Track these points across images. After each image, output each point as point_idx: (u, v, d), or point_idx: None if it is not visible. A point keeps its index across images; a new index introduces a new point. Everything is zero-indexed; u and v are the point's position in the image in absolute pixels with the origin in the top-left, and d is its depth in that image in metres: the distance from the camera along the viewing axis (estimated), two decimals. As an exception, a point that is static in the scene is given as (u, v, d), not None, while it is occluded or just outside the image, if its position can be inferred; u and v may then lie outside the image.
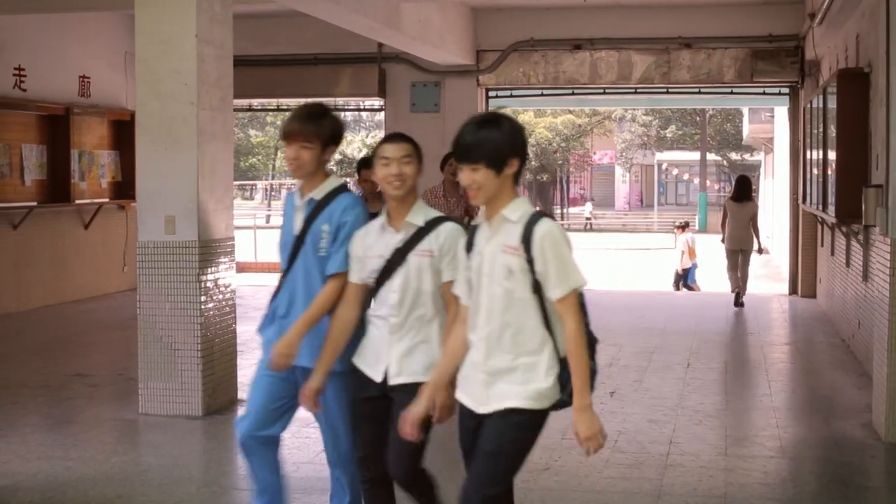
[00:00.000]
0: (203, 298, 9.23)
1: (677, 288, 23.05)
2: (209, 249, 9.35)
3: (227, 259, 9.66)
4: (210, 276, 9.35)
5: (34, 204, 15.95)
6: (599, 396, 10.01)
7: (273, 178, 69.69)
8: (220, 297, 9.54)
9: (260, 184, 73.22)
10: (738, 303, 16.79)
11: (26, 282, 16.05)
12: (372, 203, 9.87)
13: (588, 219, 58.09)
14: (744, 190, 17.35)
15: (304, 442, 8.40)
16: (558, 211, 63.43)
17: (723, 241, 17.37)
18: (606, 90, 19.20)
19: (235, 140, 62.86)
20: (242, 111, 22.19)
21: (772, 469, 7.68)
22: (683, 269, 23.06)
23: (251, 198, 78.79)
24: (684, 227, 24.63)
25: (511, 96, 19.73)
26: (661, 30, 18.06)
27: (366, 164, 10.00)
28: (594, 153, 69.01)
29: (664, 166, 66.93)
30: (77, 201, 16.90)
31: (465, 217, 9.93)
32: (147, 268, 9.33)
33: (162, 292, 9.28)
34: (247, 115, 61.78)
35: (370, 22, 13.61)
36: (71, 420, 9.25)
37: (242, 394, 10.05)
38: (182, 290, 9.23)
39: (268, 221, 49.01)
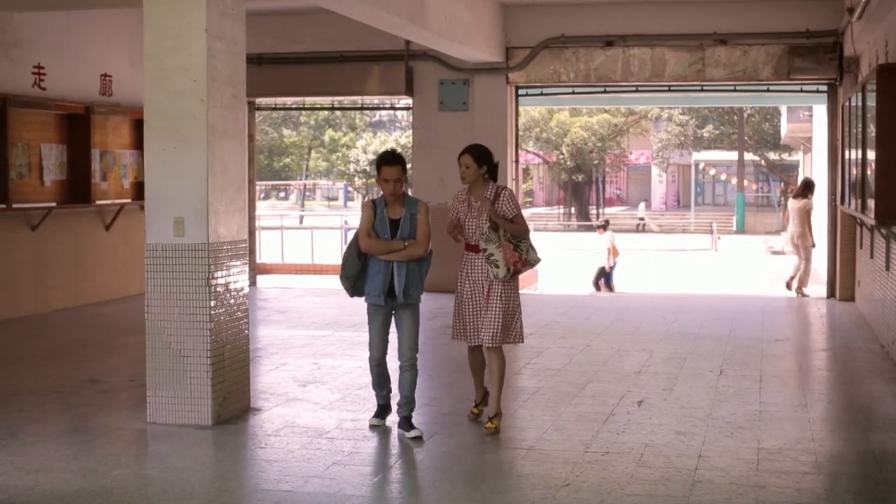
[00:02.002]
0: (213, 303, 8.88)
1: (598, 287, 23.54)
2: (220, 252, 9.01)
3: (239, 262, 9.31)
4: (221, 280, 9.01)
5: (53, 205, 15.68)
6: (626, 406, 9.62)
7: (306, 177, 69.49)
8: (232, 301, 9.19)
9: (294, 184, 73.05)
10: (796, 291, 18.79)
11: (45, 284, 15.78)
12: (392, 207, 8.53)
13: (641, 219, 57.32)
14: (805, 189, 19.19)
15: (315, 454, 8.03)
16: (593, 211, 62.92)
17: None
18: (639, 88, 18.84)
19: (268, 140, 63.05)
20: (269, 110, 21.91)
21: (806, 486, 7.25)
22: (608, 268, 23.51)
23: (286, 198, 78.76)
24: (605, 226, 25.09)
25: (542, 94, 19.37)
26: (695, 26, 17.65)
27: (386, 160, 8.51)
28: (630, 153, 68.45)
29: (701, 166, 66.25)
30: (98, 202, 16.62)
31: (487, 223, 8.57)
32: (155, 271, 8.99)
33: (170, 297, 8.94)
34: (280, 115, 61.64)
35: (393, 18, 13.25)
36: (76, 429, 8.93)
37: (256, 402, 9.72)
38: (191, 294, 8.89)
39: (301, 222, 48.80)
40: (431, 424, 9.05)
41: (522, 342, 8.98)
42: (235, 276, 9.25)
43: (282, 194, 79.87)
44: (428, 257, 8.64)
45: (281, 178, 71.04)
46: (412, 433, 8.56)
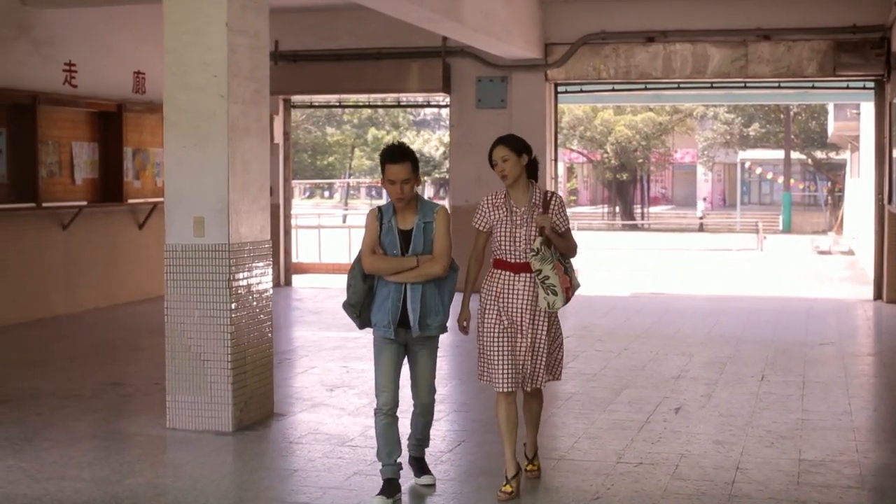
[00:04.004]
0: (234, 305, 8.61)
1: None
2: (241, 253, 8.74)
3: (262, 263, 9.04)
4: (242, 282, 8.73)
5: (84, 203, 15.51)
6: (663, 413, 9.28)
7: (350, 176, 69.33)
8: (254, 303, 8.92)
9: (337, 182, 72.91)
10: None
11: (76, 283, 15.61)
12: (402, 215, 6.88)
13: (701, 218, 56.43)
14: None
15: (336, 463, 7.74)
16: (638, 210, 62.38)
17: None
18: (681, 85, 18.48)
19: (311, 138, 62.83)
20: (305, 108, 21.69)
21: (849, 502, 6.86)
22: None
23: (330, 196, 78.64)
24: None
25: (581, 91, 19.02)
26: (738, 21, 17.26)
27: (391, 156, 6.76)
28: (675, 151, 67.78)
29: (747, 165, 65.46)
30: (130, 200, 16.44)
31: (540, 238, 6.89)
32: (174, 272, 8.75)
33: (190, 299, 8.69)
34: (324, 114, 61.47)
35: (427, 13, 12.95)
36: (94, 435, 8.69)
37: (281, 407, 9.45)
38: (211, 296, 8.63)
39: (344, 221, 48.59)
40: (459, 432, 8.77)
41: (560, 379, 7.33)
42: (258, 278, 8.98)
43: (326, 193, 79.76)
44: (452, 275, 6.90)
45: (324, 177, 70.91)
46: (423, 479, 7.18)
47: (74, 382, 10.68)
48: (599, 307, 16.81)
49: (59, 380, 10.84)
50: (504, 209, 6.98)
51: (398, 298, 6.78)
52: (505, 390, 6.90)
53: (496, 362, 6.89)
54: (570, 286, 6.93)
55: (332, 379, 10.89)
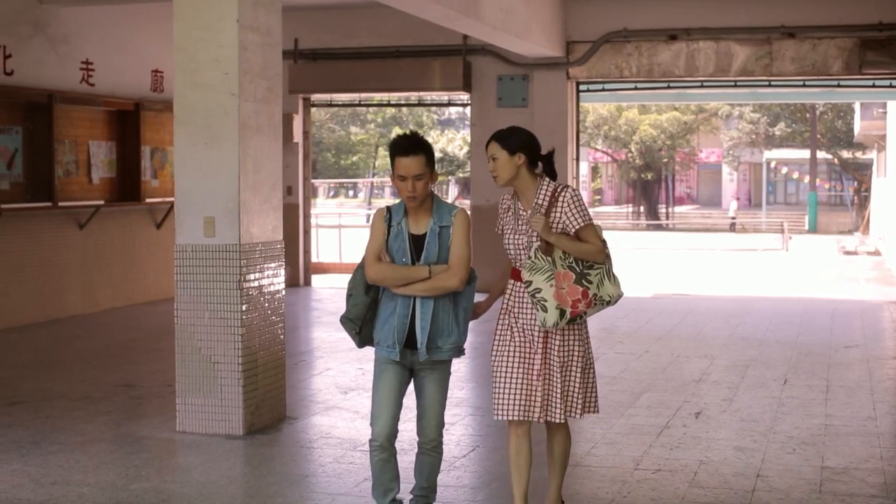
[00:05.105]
0: (245, 307, 8.46)
1: None
2: (252, 253, 8.59)
3: (274, 263, 8.89)
4: (254, 283, 8.59)
5: (101, 203, 15.41)
6: (683, 418, 9.09)
7: (374, 175, 69.25)
8: (266, 305, 8.77)
9: (361, 182, 72.85)
10: None
11: (93, 283, 15.51)
12: (413, 218, 5.88)
13: (733, 219, 55.94)
14: None
15: (347, 469, 7.58)
16: (663, 210, 62.08)
17: None
18: (704, 83, 18.29)
19: (335, 138, 62.71)
20: (325, 107, 21.60)
21: (873, 512, 6.68)
22: None
23: (355, 196, 78.62)
24: None
25: (603, 90, 18.84)
26: (762, 18, 17.04)
27: (402, 148, 5.80)
28: (700, 151, 67.44)
29: (773, 164, 65.12)
30: (148, 200, 16.34)
31: (537, 242, 5.87)
32: (185, 273, 8.61)
33: (201, 300, 8.55)
34: (348, 113, 61.40)
35: (445, 10, 12.78)
36: (102, 438, 8.55)
37: (294, 410, 9.30)
38: (222, 297, 8.49)
39: (368, 221, 48.47)
40: (474, 437, 8.60)
41: (597, 412, 6.21)
42: (270, 279, 8.83)
43: (350, 192, 79.73)
44: (468, 289, 5.89)
45: (348, 176, 70.86)
46: None
47: (87, 384, 10.56)
48: (621, 308, 16.51)
49: (71, 381, 10.72)
50: (511, 212, 6.08)
51: (406, 314, 5.79)
52: (508, 418, 5.95)
53: (500, 385, 5.97)
54: (580, 298, 5.80)
55: (347, 381, 10.74)
